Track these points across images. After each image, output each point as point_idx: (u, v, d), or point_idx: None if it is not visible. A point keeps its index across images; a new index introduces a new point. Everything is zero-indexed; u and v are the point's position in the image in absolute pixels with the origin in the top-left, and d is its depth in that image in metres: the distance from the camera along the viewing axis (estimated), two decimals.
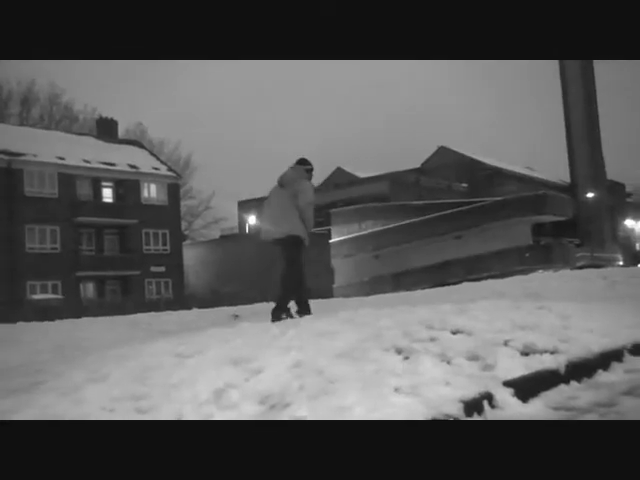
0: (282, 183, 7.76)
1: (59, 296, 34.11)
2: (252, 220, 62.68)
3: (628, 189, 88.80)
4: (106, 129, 47.08)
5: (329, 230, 54.24)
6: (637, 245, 74.94)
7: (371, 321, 5.43)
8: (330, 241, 51.65)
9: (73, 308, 24.43)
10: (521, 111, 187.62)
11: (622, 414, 3.38)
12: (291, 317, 7.32)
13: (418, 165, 74.73)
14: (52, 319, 12.90)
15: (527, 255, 46.92)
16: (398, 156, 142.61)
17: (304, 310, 7.56)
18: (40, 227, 38.03)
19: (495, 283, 14.08)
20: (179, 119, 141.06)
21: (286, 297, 7.56)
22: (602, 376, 4.34)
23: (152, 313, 13.76)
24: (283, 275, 7.63)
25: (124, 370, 4.10)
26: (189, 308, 16.27)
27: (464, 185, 68.88)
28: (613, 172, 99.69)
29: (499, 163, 75.61)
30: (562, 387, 3.99)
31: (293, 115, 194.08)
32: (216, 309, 14.15)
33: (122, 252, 42.36)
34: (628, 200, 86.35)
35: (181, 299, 33.48)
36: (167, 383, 3.69)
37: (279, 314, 7.34)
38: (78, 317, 13.50)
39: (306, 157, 8.04)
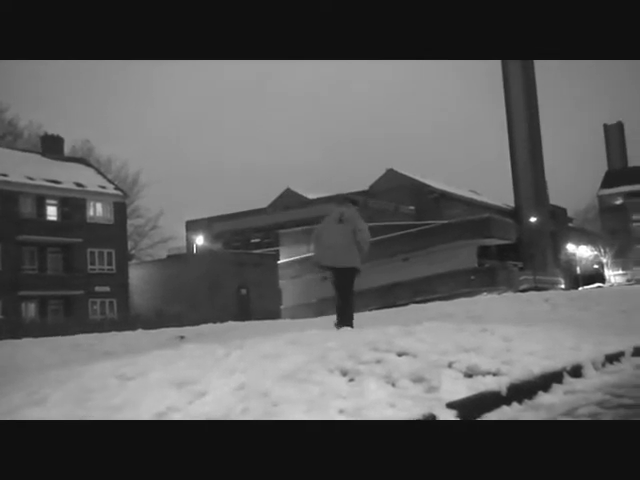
0: (342, 219, 8.66)
1: None
2: (200, 240, 62.03)
3: (569, 214, 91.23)
4: (51, 146, 45.97)
5: (278, 251, 54.16)
6: (578, 269, 76.76)
7: (317, 342, 5.42)
8: (278, 262, 51.59)
9: (14, 328, 23.80)
10: (468, 136, 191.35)
11: None
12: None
13: (366, 187, 75.31)
14: None
15: (472, 278, 47.61)
16: (347, 178, 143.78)
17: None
18: None
19: (441, 305, 14.25)
20: (127, 136, 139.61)
21: (351, 310, 8.69)
22: (542, 397, 4.42)
23: (95, 334, 13.49)
24: (346, 296, 8.64)
25: (64, 392, 4.00)
26: (134, 329, 15.99)
27: (411, 208, 69.68)
28: (555, 197, 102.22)
29: (446, 186, 76.77)
30: (504, 408, 4.05)
31: (242, 136, 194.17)
32: (161, 330, 13.97)
33: (66, 271, 41.42)
34: (569, 225, 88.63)
35: (126, 320, 32.91)
36: (108, 405, 3.61)
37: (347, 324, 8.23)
38: (19, 338, 13.12)
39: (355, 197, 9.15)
